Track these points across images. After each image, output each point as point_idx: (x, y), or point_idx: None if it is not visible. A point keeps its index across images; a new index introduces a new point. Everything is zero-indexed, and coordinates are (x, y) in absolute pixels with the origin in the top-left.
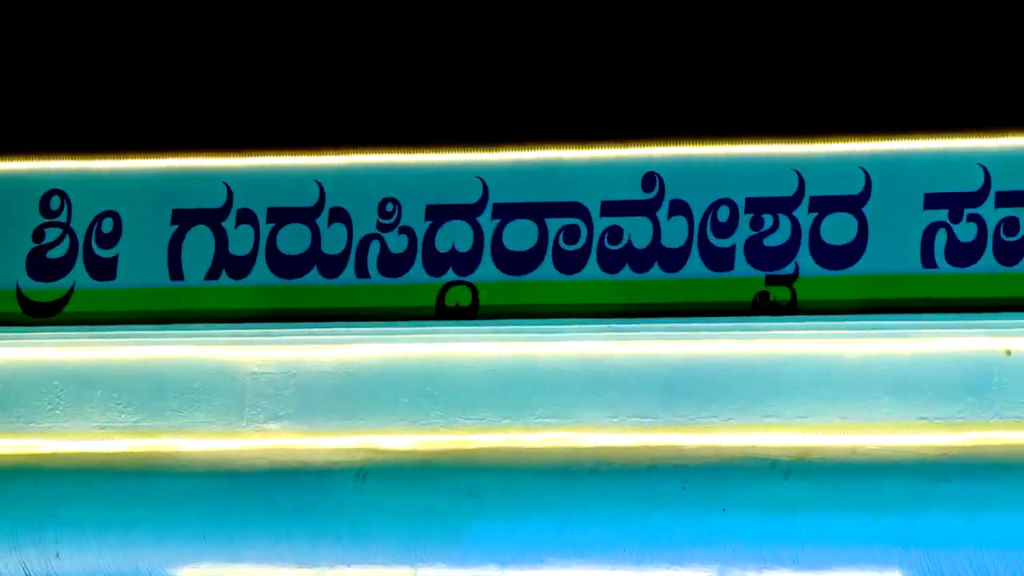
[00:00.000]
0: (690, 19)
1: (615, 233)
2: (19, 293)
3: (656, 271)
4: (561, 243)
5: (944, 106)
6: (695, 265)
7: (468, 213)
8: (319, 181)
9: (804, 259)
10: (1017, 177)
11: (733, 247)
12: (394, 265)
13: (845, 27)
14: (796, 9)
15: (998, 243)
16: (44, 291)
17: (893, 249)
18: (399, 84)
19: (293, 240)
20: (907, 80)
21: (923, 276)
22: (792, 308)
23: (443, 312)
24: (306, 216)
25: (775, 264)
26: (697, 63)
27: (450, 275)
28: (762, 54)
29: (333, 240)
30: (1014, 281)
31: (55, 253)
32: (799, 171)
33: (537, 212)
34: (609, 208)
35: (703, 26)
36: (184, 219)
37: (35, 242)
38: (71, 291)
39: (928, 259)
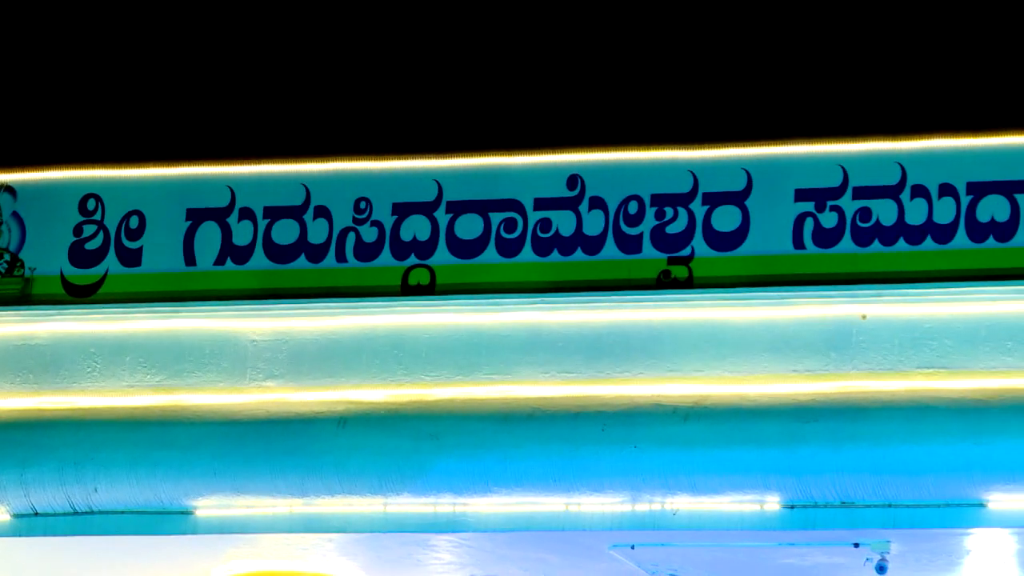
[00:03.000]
0: (602, 51)
1: (545, 224)
2: (62, 278)
3: (579, 254)
4: (502, 232)
5: (810, 116)
6: (610, 249)
7: (426, 209)
8: (305, 184)
9: (699, 243)
10: (870, 175)
11: (641, 234)
12: (367, 252)
13: (729, 48)
14: (686, 34)
15: (855, 228)
16: (82, 276)
17: (770, 234)
18: (370, 106)
19: (284, 232)
20: (778, 94)
21: (795, 256)
22: (689, 283)
23: (407, 289)
24: (295, 212)
25: (675, 247)
26: (609, 85)
27: (412, 259)
28: (661, 76)
29: (317, 232)
30: (868, 259)
31: (91, 245)
32: (694, 172)
33: (482, 207)
34: (540, 204)
35: (612, 55)
36: (196, 216)
37: (75, 236)
38: (104, 276)
39: (798, 242)
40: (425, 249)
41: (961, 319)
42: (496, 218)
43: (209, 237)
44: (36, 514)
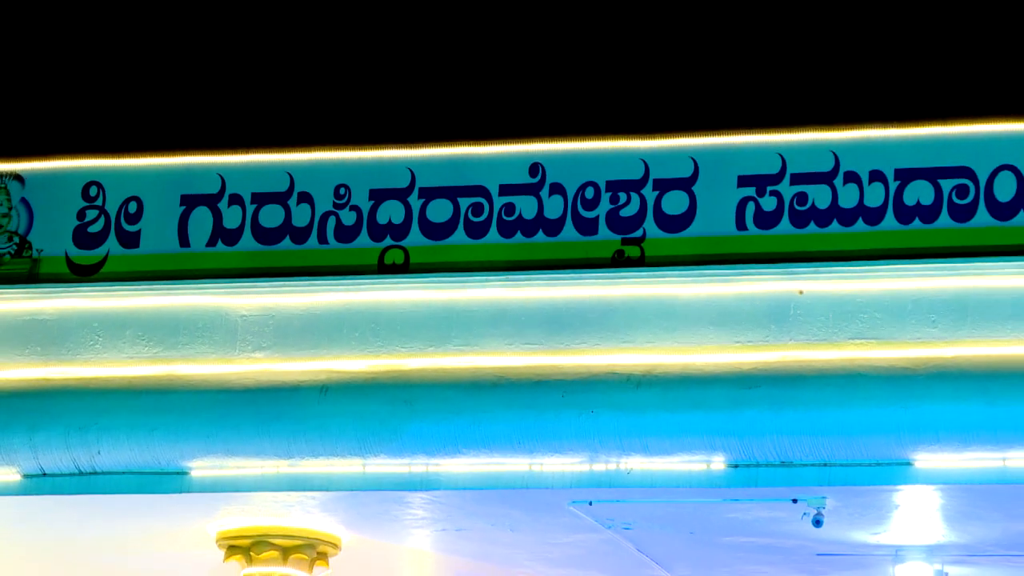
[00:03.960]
0: (561, 49)
1: (509, 208)
2: (67, 258)
3: (540, 235)
4: (470, 216)
5: (751, 108)
6: (569, 231)
7: (401, 195)
8: (289, 172)
9: (650, 225)
10: (805, 162)
11: (597, 217)
12: (346, 234)
13: (675, 46)
14: (636, 34)
15: (792, 212)
16: (86, 256)
17: (715, 217)
18: (348, 100)
19: (271, 216)
20: (722, 87)
21: (737, 236)
22: (641, 262)
23: (383, 268)
24: (280, 198)
25: (628, 229)
26: (568, 80)
27: (388, 241)
28: (615, 72)
29: (301, 216)
30: (805, 240)
31: (93, 228)
32: (645, 160)
33: (452, 193)
34: (505, 189)
35: (570, 53)
36: (189, 201)
37: (79, 220)
38: (106, 256)
39: (741, 224)
40: (399, 231)
41: (890, 294)
42: (464, 203)
43: (201, 221)
44: (44, 475)
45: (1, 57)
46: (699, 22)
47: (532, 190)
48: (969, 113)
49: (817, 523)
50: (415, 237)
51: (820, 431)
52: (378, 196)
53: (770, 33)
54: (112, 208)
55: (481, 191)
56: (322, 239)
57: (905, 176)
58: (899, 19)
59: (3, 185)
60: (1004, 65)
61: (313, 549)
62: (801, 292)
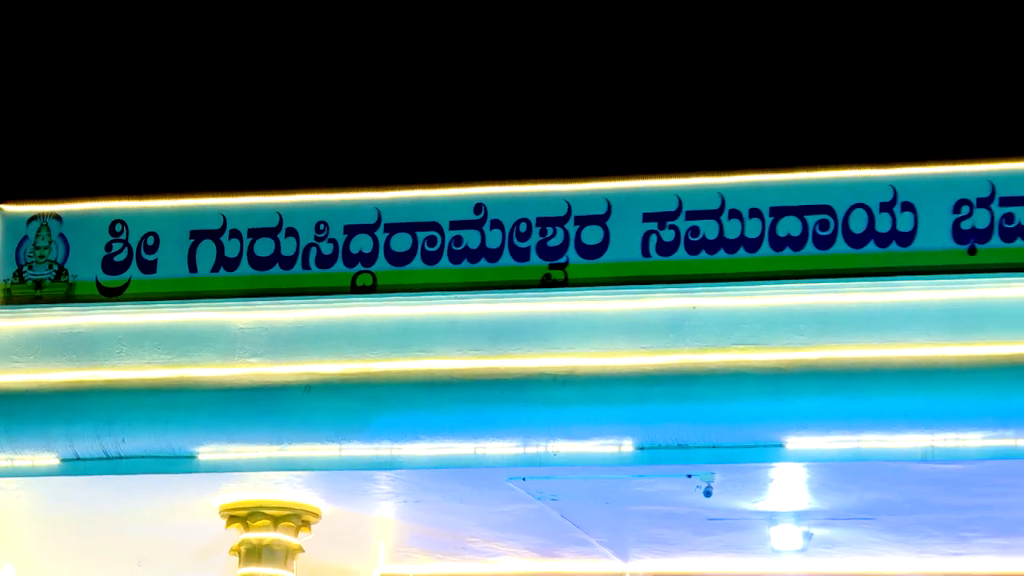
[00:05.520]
0: (499, 109)
1: (458, 240)
2: (97, 282)
3: (483, 262)
4: (426, 246)
5: (653, 159)
6: (507, 258)
7: (370, 229)
8: (279, 211)
9: (572, 253)
10: (697, 201)
11: (529, 247)
12: (325, 261)
13: (588, 105)
14: (559, 97)
15: (687, 242)
16: (113, 280)
17: (625, 246)
18: (326, 153)
19: (263, 247)
20: (631, 140)
21: (643, 262)
22: (565, 283)
23: (355, 289)
24: (271, 232)
25: (554, 256)
26: (505, 135)
27: (359, 267)
28: (543, 128)
29: (288, 247)
30: (696, 264)
31: (119, 258)
32: (568, 201)
33: (411, 228)
34: (454, 224)
35: (507, 112)
36: (197, 235)
37: (106, 251)
38: (129, 280)
39: (645, 252)
40: (368, 259)
41: (765, 308)
42: (421, 235)
43: (207, 251)
44: (78, 459)
45: (45, 118)
46: (608, 89)
47: (476, 225)
48: (830, 161)
49: (707, 494)
50: (381, 263)
51: (710, 420)
52: (351, 230)
53: (665, 97)
54: (134, 241)
55: (435, 226)
56: (305, 265)
57: (778, 212)
58: (769, 84)
59: (45, 223)
60: (859, 121)
61: (299, 518)
62: (694, 307)
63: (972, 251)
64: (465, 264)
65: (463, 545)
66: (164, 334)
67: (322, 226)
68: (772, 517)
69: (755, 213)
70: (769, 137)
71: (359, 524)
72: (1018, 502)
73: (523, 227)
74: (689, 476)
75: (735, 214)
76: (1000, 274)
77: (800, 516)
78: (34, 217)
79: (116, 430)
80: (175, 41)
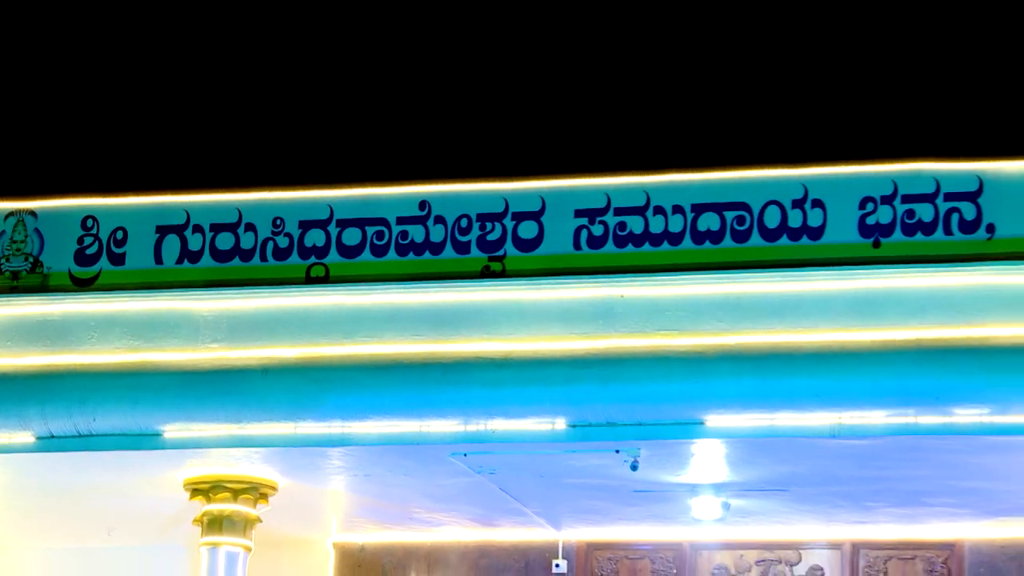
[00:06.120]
0: (439, 114)
1: (404, 235)
2: (70, 273)
3: (427, 255)
4: (374, 240)
5: (583, 159)
6: (449, 251)
7: (323, 224)
8: (238, 208)
9: (509, 246)
10: (624, 199)
11: (470, 240)
12: (281, 254)
13: (519, 108)
14: (494, 99)
15: (615, 236)
16: (84, 272)
17: (557, 240)
18: (281, 154)
19: (224, 241)
20: (562, 141)
21: (574, 254)
22: (503, 274)
23: (309, 280)
24: (231, 228)
25: (493, 249)
26: (448, 138)
27: (312, 259)
28: (482, 131)
29: (247, 240)
30: (624, 256)
31: (90, 250)
32: (506, 198)
33: (361, 223)
34: (401, 220)
35: (446, 117)
36: (162, 230)
37: (78, 245)
38: (99, 272)
39: (577, 245)
40: (322, 252)
41: (688, 296)
42: (370, 230)
43: (172, 245)
44: (52, 437)
45: (21, 121)
46: (542, 95)
47: (421, 220)
48: (746, 162)
49: (634, 468)
50: (333, 256)
51: (636, 399)
52: (305, 225)
53: (596, 102)
54: (104, 235)
55: (383, 221)
56: (263, 258)
57: (698, 209)
58: (689, 91)
59: (21, 219)
60: (773, 123)
61: (257, 491)
62: (622, 296)
63: (876, 244)
64: (411, 256)
65: (409, 515)
66: (132, 321)
67: (278, 221)
68: (693, 489)
69: (677, 209)
70: (690, 139)
71: (313, 496)
72: (917, 475)
73: (464, 222)
74: (617, 451)
75: (659, 210)
76: (902, 265)
77: (719, 488)
78: (11, 213)
79: (87, 410)
80: (142, 50)
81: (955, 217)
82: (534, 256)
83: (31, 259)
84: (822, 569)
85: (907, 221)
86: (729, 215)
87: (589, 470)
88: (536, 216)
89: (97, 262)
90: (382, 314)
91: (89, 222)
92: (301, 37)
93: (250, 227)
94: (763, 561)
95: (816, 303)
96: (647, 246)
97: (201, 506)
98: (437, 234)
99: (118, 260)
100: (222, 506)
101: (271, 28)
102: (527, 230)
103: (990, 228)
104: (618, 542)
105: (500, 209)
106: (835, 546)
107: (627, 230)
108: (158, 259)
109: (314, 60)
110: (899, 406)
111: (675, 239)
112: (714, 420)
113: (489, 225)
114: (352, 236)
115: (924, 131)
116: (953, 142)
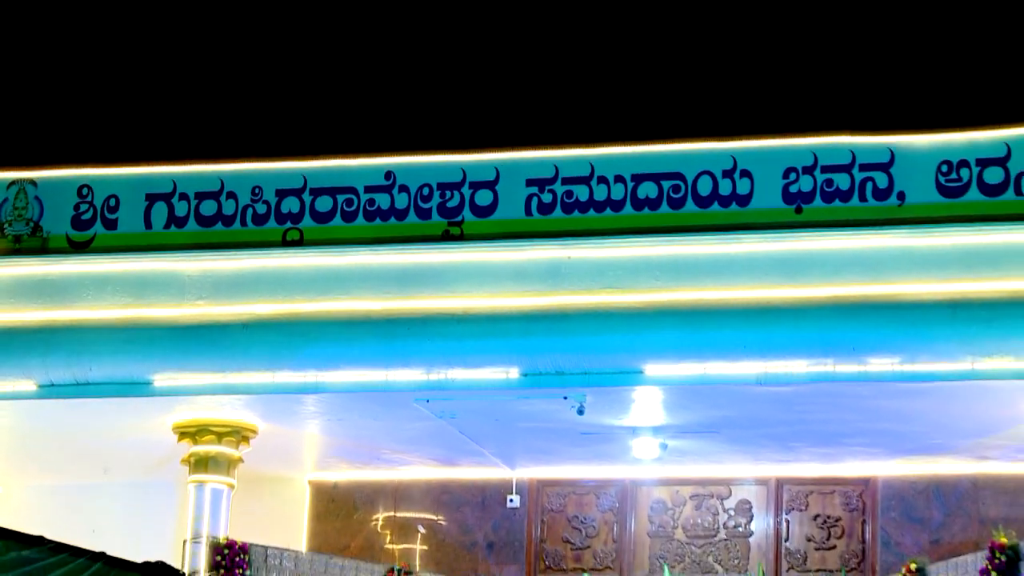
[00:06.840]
0: (406, 89)
1: (371, 202)
2: (67, 237)
3: (392, 220)
4: (345, 207)
5: (533, 132)
6: (412, 217)
7: (298, 192)
8: (221, 178)
9: (467, 213)
10: (571, 169)
11: (431, 207)
12: (260, 219)
13: (477, 82)
14: (452, 76)
15: (563, 203)
16: (80, 235)
17: (510, 207)
18: (260, 127)
19: (208, 208)
20: (517, 116)
21: (526, 220)
22: (462, 237)
23: (286, 243)
24: (214, 195)
25: (452, 215)
26: (412, 114)
27: (289, 224)
28: (442, 107)
29: (228, 207)
30: (571, 221)
31: (86, 216)
32: (464, 169)
33: (332, 192)
34: (369, 189)
35: (412, 93)
36: (152, 198)
37: (75, 211)
38: (94, 235)
39: (528, 211)
40: (297, 218)
41: (630, 258)
42: (341, 198)
43: (160, 211)
44: (52, 385)
45: (22, 97)
46: (495, 72)
47: (387, 189)
48: (681, 135)
49: (580, 412)
50: (307, 221)
51: (582, 350)
52: (281, 193)
53: (544, 79)
54: (98, 202)
55: (351, 190)
56: (243, 223)
57: (638, 178)
58: (629, 68)
59: (22, 187)
60: (705, 100)
61: (239, 434)
62: (569, 257)
63: (799, 210)
64: (377, 221)
65: (377, 455)
66: (124, 280)
67: (257, 190)
68: (634, 431)
69: (619, 179)
70: (631, 115)
71: (290, 439)
72: (835, 418)
73: (426, 191)
74: (565, 398)
75: (602, 180)
76: (821, 229)
77: (657, 430)
78: (13, 182)
79: (84, 360)
80: (133, 35)
81: (869, 185)
82: (489, 221)
83: (32, 224)
84: (750, 503)
85: (826, 189)
86: (666, 184)
87: (540, 414)
88: (491, 185)
89: (92, 226)
90: (352, 274)
91: (85, 190)
92: (280, 24)
93: (231, 195)
94: (697, 496)
95: (744, 263)
96: (592, 212)
97: (188, 447)
98: (401, 201)
99: (111, 225)
100: (207, 447)
101: (253, 14)
102: (483, 197)
103: (901, 195)
104: (566, 479)
105: (458, 178)
106: (762, 482)
107: (573, 197)
108: (148, 224)
109: (290, 44)
110: (819, 356)
111: (617, 206)
112: (652, 369)
113: (448, 193)
114: (324, 203)
115: (841, 107)
116: (867, 117)
